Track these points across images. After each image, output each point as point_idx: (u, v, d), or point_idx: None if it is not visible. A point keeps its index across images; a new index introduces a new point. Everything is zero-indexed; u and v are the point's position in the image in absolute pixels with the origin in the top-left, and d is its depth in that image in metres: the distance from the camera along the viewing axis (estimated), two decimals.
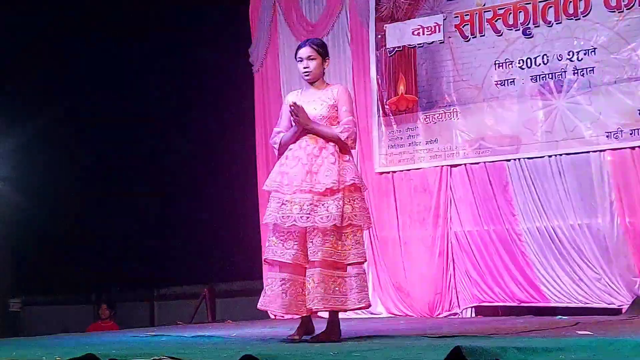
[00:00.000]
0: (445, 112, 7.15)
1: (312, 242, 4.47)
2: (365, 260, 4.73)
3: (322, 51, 4.73)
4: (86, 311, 9.74)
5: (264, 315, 7.24)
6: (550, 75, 6.73)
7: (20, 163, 8.91)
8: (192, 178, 8.94)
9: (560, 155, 6.65)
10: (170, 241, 9.10)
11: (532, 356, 3.29)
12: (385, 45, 7.43)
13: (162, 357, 3.41)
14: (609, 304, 6.41)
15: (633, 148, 6.38)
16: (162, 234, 9.20)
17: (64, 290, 9.78)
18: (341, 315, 4.70)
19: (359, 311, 7.10)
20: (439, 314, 7.04)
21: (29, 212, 8.79)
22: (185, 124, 8.97)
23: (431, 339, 4.40)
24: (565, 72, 6.66)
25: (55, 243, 9.12)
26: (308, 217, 4.44)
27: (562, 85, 6.68)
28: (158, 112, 9.07)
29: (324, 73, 4.78)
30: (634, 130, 6.36)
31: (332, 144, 4.58)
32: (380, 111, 7.41)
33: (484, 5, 6.99)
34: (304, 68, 4.69)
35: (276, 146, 4.75)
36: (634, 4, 6.40)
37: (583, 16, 6.60)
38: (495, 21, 6.95)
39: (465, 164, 7.05)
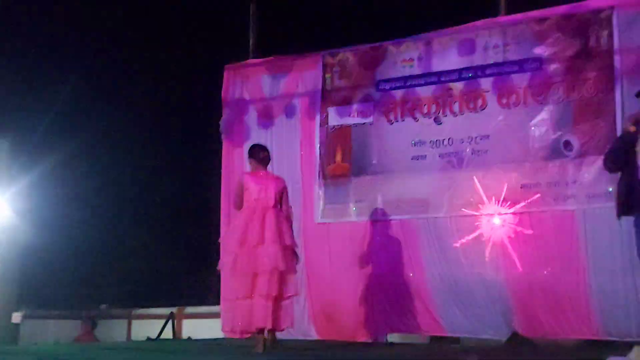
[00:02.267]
0: (371, 178, 7.16)
1: None
2: None
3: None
4: (75, 325, 9.58)
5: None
6: (454, 153, 6.79)
7: (30, 198, 8.81)
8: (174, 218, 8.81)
9: (459, 216, 6.69)
10: (148, 268, 8.98)
11: None
12: (327, 123, 7.46)
13: None
14: (492, 336, 6.44)
15: (515, 214, 6.43)
16: (143, 261, 9.08)
17: (59, 307, 9.62)
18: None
19: (295, 332, 7.21)
20: (361, 339, 6.96)
21: (36, 240, 8.65)
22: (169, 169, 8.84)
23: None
24: (465, 151, 6.74)
25: (54, 266, 9.00)
26: None
27: (463, 162, 6.75)
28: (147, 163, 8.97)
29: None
30: (517, 199, 6.43)
31: None
32: (321, 175, 7.42)
33: (406, 97, 7.08)
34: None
35: None
36: (519, 103, 6.59)
37: (481, 110, 6.74)
38: (414, 110, 7.05)
39: (385, 220, 7.04)
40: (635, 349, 2.68)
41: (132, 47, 8.38)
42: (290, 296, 5.69)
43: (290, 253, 5.71)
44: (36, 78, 8.45)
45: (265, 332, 5.56)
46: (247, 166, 6.11)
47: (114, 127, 8.85)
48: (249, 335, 5.67)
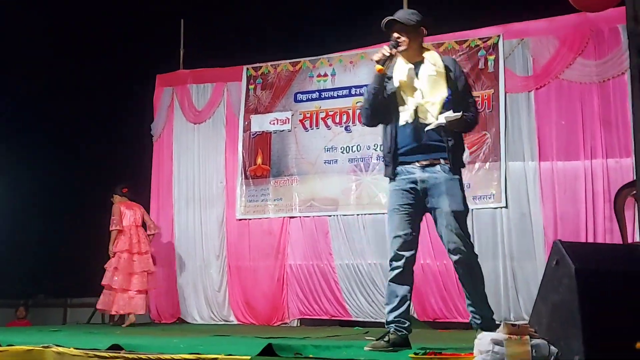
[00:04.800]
0: (288, 179, 7.16)
1: None
2: None
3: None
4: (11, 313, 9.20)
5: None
6: (361, 159, 6.86)
7: None
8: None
9: (365, 214, 6.76)
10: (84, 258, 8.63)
11: (325, 351, 3.40)
12: (250, 130, 7.42)
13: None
14: None
15: None
16: (79, 252, 8.72)
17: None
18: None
19: (217, 318, 7.17)
20: (275, 323, 6.98)
21: None
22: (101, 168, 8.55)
23: (260, 339, 4.42)
24: (371, 157, 6.80)
25: None
26: None
27: (369, 166, 6.82)
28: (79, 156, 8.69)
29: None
30: None
31: None
32: (243, 175, 7.37)
33: (320, 108, 7.15)
34: None
35: None
36: None
37: None
38: (327, 119, 7.09)
39: (299, 217, 7.06)
40: (503, 324, 2.76)
41: (71, 56, 8.12)
42: None
43: None
44: None
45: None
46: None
47: (54, 124, 8.52)
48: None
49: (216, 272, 7.42)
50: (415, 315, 6.40)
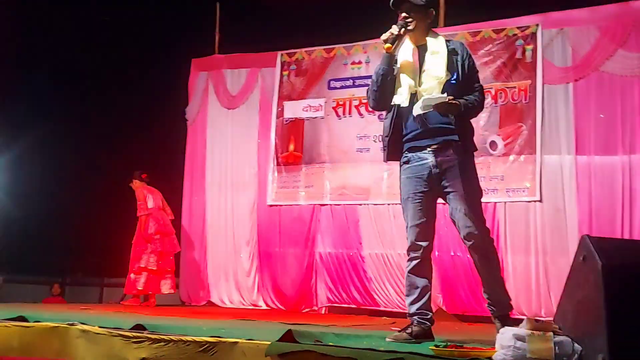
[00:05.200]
0: (320, 167, 7.15)
1: None
2: None
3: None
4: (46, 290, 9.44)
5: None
6: None
7: (10, 172, 8.62)
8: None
9: (396, 204, 6.53)
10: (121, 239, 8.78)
11: (345, 340, 3.34)
12: (283, 116, 7.43)
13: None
14: None
15: (444, 203, 6.46)
16: (116, 233, 8.88)
17: (37, 272, 9.44)
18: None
19: (245, 302, 7.22)
20: (303, 309, 7.02)
21: (16, 212, 8.47)
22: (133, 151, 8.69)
23: (284, 325, 4.38)
24: None
25: (33, 235, 8.81)
26: None
27: None
28: (110, 141, 8.82)
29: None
30: None
31: None
32: (275, 162, 7.37)
33: (354, 95, 7.07)
34: None
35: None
36: None
37: None
38: (360, 107, 7.04)
39: (330, 205, 7.06)
40: (526, 319, 2.70)
41: (108, 39, 8.22)
42: None
43: None
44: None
45: None
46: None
47: (89, 110, 8.66)
48: None
49: (246, 257, 7.47)
50: (444, 308, 6.37)
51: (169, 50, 7.75)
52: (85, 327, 3.42)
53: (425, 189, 3.56)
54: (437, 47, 3.55)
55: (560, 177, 6.14)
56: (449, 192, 3.52)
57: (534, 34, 6.35)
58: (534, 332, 2.68)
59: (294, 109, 7.39)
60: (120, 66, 8.32)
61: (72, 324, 3.45)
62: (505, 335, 2.75)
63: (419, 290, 3.56)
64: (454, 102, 3.43)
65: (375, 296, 6.76)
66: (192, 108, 7.96)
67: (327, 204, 7.09)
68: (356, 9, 6.91)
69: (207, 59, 7.97)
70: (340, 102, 7.17)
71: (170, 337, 3.19)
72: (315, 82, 7.32)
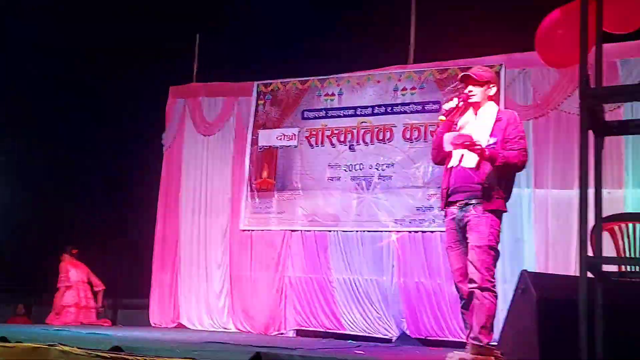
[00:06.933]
0: (292, 194, 7.36)
1: None
2: None
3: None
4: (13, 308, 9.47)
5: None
6: (363, 177, 7.06)
7: None
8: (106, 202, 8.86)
9: (364, 231, 6.98)
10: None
11: None
12: (257, 144, 7.65)
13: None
14: (384, 335, 6.73)
15: (410, 232, 6.78)
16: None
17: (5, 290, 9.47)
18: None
19: (215, 325, 7.39)
20: (272, 333, 7.18)
21: None
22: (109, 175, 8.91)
23: (253, 348, 4.54)
24: (373, 176, 7.01)
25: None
26: None
27: (370, 185, 7.03)
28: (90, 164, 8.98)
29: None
30: (412, 219, 6.79)
31: None
32: (249, 188, 7.59)
33: (326, 126, 7.38)
34: None
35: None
36: (420, 138, 6.94)
37: (388, 142, 7.02)
38: (332, 137, 7.30)
39: (301, 230, 7.27)
40: (470, 345, 2.99)
41: (88, 65, 8.41)
42: None
43: None
44: None
45: None
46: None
47: (64, 134, 8.81)
48: None
49: (217, 281, 7.67)
50: (407, 332, 6.63)
51: (148, 77, 7.94)
52: (65, 347, 3.61)
53: (458, 239, 3.97)
54: (488, 114, 4.02)
55: (519, 209, 6.46)
56: (467, 243, 3.90)
57: (497, 73, 6.70)
58: (477, 356, 2.98)
59: (268, 137, 7.64)
60: (100, 90, 8.51)
61: (52, 345, 3.64)
62: (453, 359, 3.05)
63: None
64: (477, 145, 3.80)
65: (342, 320, 6.97)
66: (169, 134, 8.16)
67: (297, 230, 7.32)
68: (330, 43, 7.24)
69: (184, 87, 8.21)
70: (313, 132, 7.43)
71: (146, 358, 3.38)
72: (289, 112, 7.58)
